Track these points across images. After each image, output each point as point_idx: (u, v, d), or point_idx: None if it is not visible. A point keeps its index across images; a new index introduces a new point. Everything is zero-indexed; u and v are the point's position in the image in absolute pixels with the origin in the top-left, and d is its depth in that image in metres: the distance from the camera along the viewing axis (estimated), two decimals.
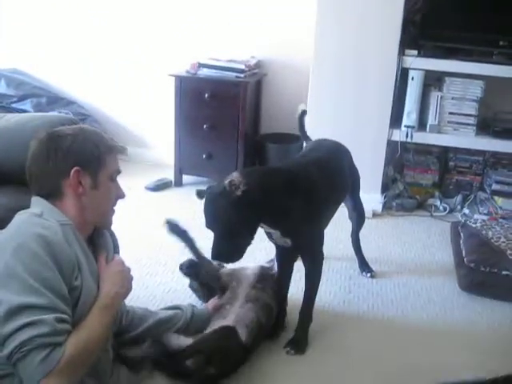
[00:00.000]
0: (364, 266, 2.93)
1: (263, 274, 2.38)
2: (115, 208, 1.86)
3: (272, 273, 2.46)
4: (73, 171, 1.69)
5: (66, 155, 1.70)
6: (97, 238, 1.85)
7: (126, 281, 1.80)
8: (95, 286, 1.70)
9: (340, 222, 2.92)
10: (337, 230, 3.20)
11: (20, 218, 1.64)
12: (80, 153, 1.72)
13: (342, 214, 2.82)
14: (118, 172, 1.83)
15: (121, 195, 1.85)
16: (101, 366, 1.76)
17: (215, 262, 2.37)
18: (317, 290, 2.37)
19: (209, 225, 2.04)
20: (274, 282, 2.40)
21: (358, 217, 2.92)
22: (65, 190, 1.70)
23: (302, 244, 2.29)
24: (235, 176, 1.97)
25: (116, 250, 2.05)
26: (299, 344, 2.27)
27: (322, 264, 2.36)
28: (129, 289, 1.81)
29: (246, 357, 2.11)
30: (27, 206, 1.77)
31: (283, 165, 2.41)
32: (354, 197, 2.85)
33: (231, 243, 2.02)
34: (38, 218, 1.60)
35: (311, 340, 2.32)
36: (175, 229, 2.38)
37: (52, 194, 1.70)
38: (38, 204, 1.69)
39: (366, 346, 2.33)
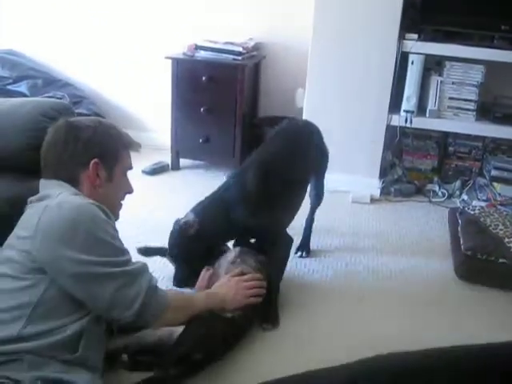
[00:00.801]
0: (304, 246, 2.92)
1: (242, 251, 2.36)
2: (123, 202, 1.97)
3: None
4: (92, 163, 1.74)
5: (86, 146, 1.76)
6: None
7: (240, 295, 2.08)
8: None
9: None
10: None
11: (64, 197, 1.65)
12: (100, 145, 1.78)
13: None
14: (131, 168, 1.92)
15: (130, 190, 1.95)
16: None
17: None
18: (281, 271, 2.51)
19: (171, 254, 2.42)
20: (255, 255, 2.38)
21: (316, 197, 2.97)
22: (81, 180, 1.76)
23: (261, 237, 2.48)
24: (190, 217, 2.33)
25: None
26: (273, 318, 2.32)
27: (285, 247, 2.55)
28: (238, 302, 2.07)
29: (235, 332, 2.09)
30: (23, 192, 1.78)
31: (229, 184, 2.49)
32: (317, 176, 2.92)
33: (189, 270, 2.35)
34: (79, 197, 1.68)
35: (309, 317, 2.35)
36: (149, 252, 2.53)
37: (66, 181, 1.74)
38: (62, 186, 1.71)
39: (365, 329, 2.34)
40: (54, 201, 1.61)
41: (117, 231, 1.70)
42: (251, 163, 2.53)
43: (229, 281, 2.10)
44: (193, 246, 2.32)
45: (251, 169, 2.47)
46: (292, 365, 2.03)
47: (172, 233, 2.39)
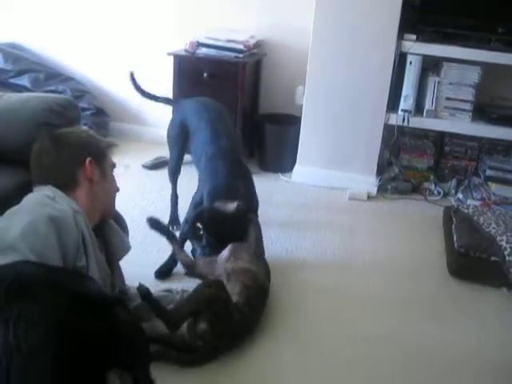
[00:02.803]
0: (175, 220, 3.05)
1: (235, 247, 2.42)
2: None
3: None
4: (87, 161, 1.87)
5: (78, 148, 1.89)
6: (112, 235, 2.02)
7: None
8: (99, 276, 1.78)
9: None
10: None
11: (33, 197, 1.74)
12: (89, 145, 1.93)
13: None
14: (114, 166, 2.04)
15: (118, 188, 2.07)
16: None
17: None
18: None
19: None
20: (247, 248, 2.45)
21: None
22: (79, 180, 1.88)
23: None
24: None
25: (125, 231, 2.19)
26: None
27: None
28: None
29: (242, 319, 2.13)
30: (26, 186, 1.84)
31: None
32: None
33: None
34: (50, 200, 1.71)
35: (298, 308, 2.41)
36: (156, 225, 2.56)
37: (64, 185, 1.83)
38: (49, 189, 1.79)
39: (353, 319, 2.40)
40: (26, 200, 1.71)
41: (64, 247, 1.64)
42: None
43: None
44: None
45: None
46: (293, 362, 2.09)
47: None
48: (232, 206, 2.48)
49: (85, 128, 2.05)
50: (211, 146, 2.69)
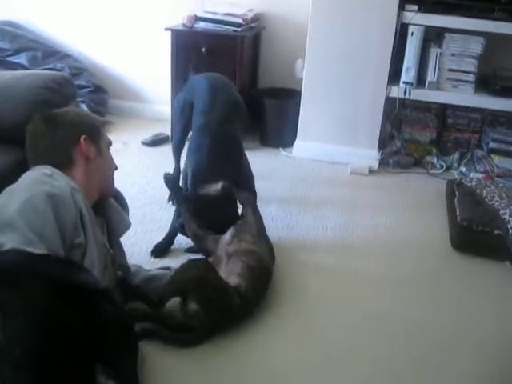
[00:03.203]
0: None
1: (237, 230, 2.39)
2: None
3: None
4: (82, 138, 1.88)
5: (72, 126, 1.90)
6: (111, 213, 2.03)
7: None
8: (98, 253, 1.78)
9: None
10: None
11: (30, 175, 1.73)
12: (83, 123, 1.93)
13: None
14: (111, 143, 2.05)
15: (115, 166, 2.07)
16: None
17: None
18: None
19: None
20: (249, 229, 2.41)
21: None
22: (75, 158, 1.87)
23: None
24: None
25: (125, 209, 2.19)
26: None
27: None
28: None
29: (244, 304, 2.11)
30: (23, 165, 1.83)
31: None
32: None
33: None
34: (47, 178, 1.71)
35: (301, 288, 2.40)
36: (171, 183, 2.56)
37: (61, 164, 1.83)
38: (46, 168, 1.78)
39: (356, 295, 2.40)
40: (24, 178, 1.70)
41: (65, 227, 1.64)
42: None
43: None
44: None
45: None
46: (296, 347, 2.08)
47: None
48: (216, 188, 2.44)
49: (79, 107, 2.02)
50: (202, 117, 2.65)
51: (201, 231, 2.42)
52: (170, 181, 2.56)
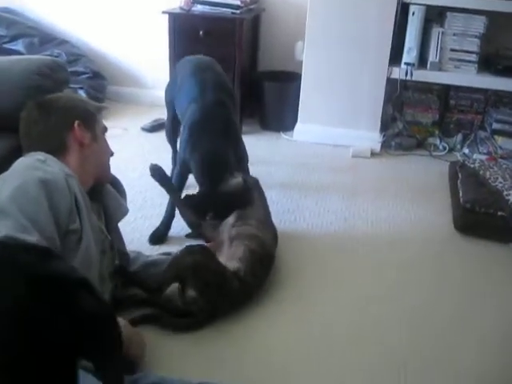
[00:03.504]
0: None
1: (241, 213, 2.36)
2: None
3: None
4: (76, 124, 1.84)
5: (65, 112, 1.86)
6: (108, 199, 2.00)
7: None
8: (94, 242, 1.75)
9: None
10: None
11: (23, 161, 1.70)
12: (77, 108, 1.89)
13: None
14: (106, 129, 2.01)
15: (111, 152, 2.03)
16: None
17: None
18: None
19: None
20: (253, 214, 2.38)
21: None
22: (69, 144, 1.84)
23: None
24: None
25: (123, 195, 2.16)
26: None
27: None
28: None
29: (243, 288, 2.09)
30: (16, 151, 1.80)
31: None
32: None
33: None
34: (41, 164, 1.67)
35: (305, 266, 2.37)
36: (158, 174, 2.44)
37: (55, 150, 1.80)
38: (40, 154, 1.75)
39: (358, 279, 2.38)
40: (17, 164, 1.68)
41: (59, 212, 1.60)
42: None
43: (128, 328, 1.81)
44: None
45: None
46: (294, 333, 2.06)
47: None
48: (238, 182, 2.40)
49: (75, 92, 1.98)
50: (193, 104, 2.59)
51: (196, 218, 2.39)
52: (157, 172, 2.44)
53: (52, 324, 0.78)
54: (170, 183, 2.50)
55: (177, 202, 2.47)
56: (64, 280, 0.84)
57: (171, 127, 2.95)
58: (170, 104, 2.88)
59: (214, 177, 2.42)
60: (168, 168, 2.85)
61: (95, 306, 0.84)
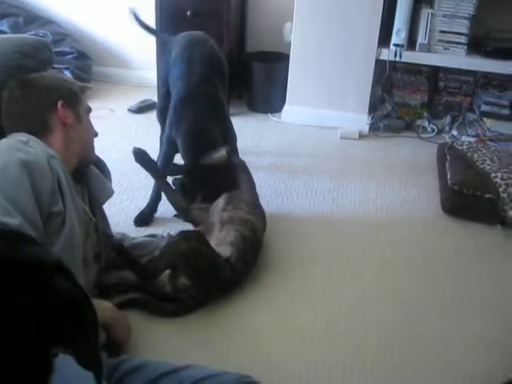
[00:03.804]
0: None
1: (231, 196, 2.34)
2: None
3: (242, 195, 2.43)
4: (59, 104, 1.80)
5: (48, 91, 1.81)
6: (93, 180, 1.97)
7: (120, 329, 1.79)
8: (78, 224, 1.72)
9: None
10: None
11: (5, 142, 1.67)
12: (60, 88, 1.85)
13: None
14: (90, 110, 1.97)
15: (95, 132, 1.99)
16: None
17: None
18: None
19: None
20: (244, 197, 2.38)
21: None
22: (52, 124, 1.80)
23: None
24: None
25: (107, 177, 2.13)
26: None
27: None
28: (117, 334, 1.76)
29: (234, 276, 2.08)
30: None
31: None
32: None
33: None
34: (22, 145, 1.64)
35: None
36: (142, 158, 2.38)
37: (37, 131, 1.76)
38: (22, 135, 1.71)
39: (346, 261, 2.38)
40: (15, 139, 1.66)
41: (43, 193, 1.58)
42: None
43: (114, 311, 1.81)
44: None
45: None
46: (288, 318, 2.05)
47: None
48: (222, 155, 2.37)
49: (61, 72, 1.94)
50: (180, 82, 2.57)
51: (184, 202, 2.37)
52: (141, 156, 2.36)
53: (27, 310, 0.76)
54: (155, 167, 2.44)
55: (163, 186, 2.44)
56: (38, 264, 0.81)
57: (163, 105, 2.83)
58: (163, 80, 2.82)
59: (197, 151, 2.39)
60: (156, 150, 2.81)
61: (70, 289, 0.82)
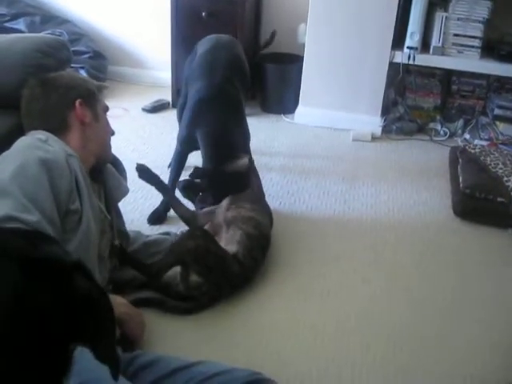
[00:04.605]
0: None
1: (235, 197, 2.36)
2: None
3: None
4: (77, 103, 1.82)
5: (66, 90, 1.84)
6: (109, 179, 2.00)
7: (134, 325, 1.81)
8: (94, 222, 1.75)
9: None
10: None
11: (24, 140, 1.70)
12: (78, 87, 1.87)
13: None
14: (107, 109, 1.99)
15: (112, 131, 2.01)
16: None
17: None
18: None
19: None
20: (248, 196, 2.40)
21: None
22: (71, 123, 1.82)
23: None
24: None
25: (123, 175, 2.17)
26: None
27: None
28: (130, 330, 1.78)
29: (243, 271, 2.10)
30: (17, 130, 1.80)
31: None
32: None
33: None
34: (42, 143, 1.67)
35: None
36: (146, 174, 2.42)
37: (56, 129, 1.79)
38: (41, 133, 1.74)
39: (357, 261, 2.40)
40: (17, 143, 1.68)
41: (60, 192, 1.60)
42: None
43: (129, 307, 1.84)
44: None
45: None
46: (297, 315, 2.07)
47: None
48: (244, 162, 2.39)
49: (76, 72, 1.97)
50: (200, 82, 2.58)
51: (189, 212, 2.41)
52: (144, 172, 2.41)
53: (48, 308, 0.78)
54: (160, 181, 2.46)
55: (169, 199, 2.48)
56: (59, 263, 0.83)
57: (184, 105, 2.88)
58: (186, 81, 2.84)
59: (220, 157, 2.41)
60: (171, 149, 2.83)
61: (89, 288, 0.84)
